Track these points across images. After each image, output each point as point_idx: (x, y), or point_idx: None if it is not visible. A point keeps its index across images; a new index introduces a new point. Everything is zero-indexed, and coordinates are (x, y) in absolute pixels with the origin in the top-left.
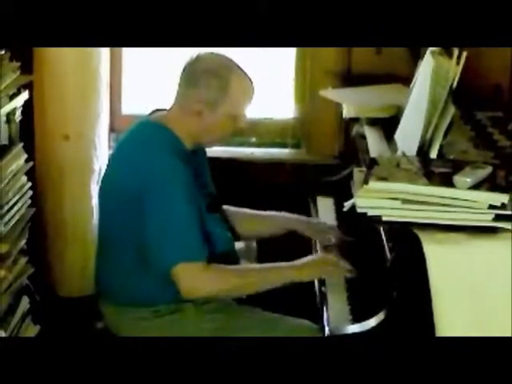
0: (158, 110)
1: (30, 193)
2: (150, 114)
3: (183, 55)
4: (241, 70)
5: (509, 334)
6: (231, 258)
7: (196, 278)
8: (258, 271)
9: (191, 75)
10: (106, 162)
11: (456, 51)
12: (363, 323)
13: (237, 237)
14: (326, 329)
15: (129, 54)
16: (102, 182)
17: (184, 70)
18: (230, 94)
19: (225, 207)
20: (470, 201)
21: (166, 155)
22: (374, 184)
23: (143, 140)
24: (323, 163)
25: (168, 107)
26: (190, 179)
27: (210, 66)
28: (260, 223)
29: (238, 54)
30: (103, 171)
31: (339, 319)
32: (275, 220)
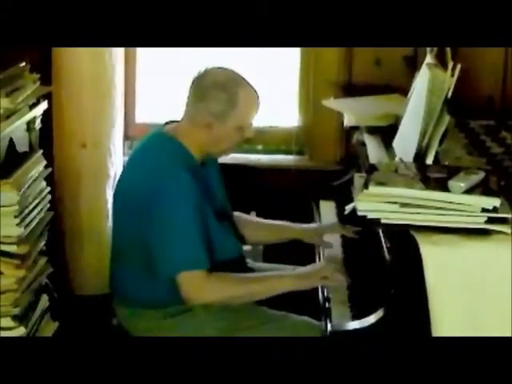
0: (170, 121)
1: (49, 197)
2: (164, 125)
3: (195, 65)
4: (247, 82)
5: (501, 333)
6: (238, 262)
7: (197, 286)
8: (259, 281)
9: (200, 89)
10: (121, 168)
11: (451, 64)
12: (363, 320)
13: (244, 242)
14: (328, 325)
15: (142, 65)
16: (115, 188)
17: (192, 84)
18: (238, 106)
19: (235, 214)
20: (463, 204)
21: (174, 167)
22: (373, 189)
23: (154, 152)
24: (325, 169)
25: (180, 119)
26: (196, 191)
27: (217, 79)
28: (267, 232)
29: (245, 65)
30: (118, 177)
31: (340, 316)
32: (281, 229)
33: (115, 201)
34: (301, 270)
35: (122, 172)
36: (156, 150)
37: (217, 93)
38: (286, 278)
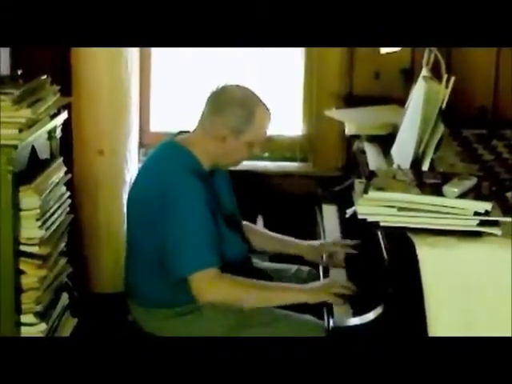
0: (182, 132)
1: (69, 201)
2: (175, 135)
3: (208, 78)
4: (263, 102)
5: (494, 332)
6: (245, 263)
7: (209, 285)
8: (269, 289)
9: (218, 103)
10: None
11: (445, 76)
12: (363, 316)
13: (250, 248)
14: (331, 321)
15: (156, 76)
16: (129, 193)
17: (210, 98)
18: (254, 123)
19: (244, 223)
20: (457, 208)
21: (185, 174)
22: (372, 193)
23: (165, 159)
24: (328, 175)
25: (191, 130)
26: (205, 195)
27: (237, 96)
28: (272, 244)
29: (252, 78)
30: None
31: (342, 313)
32: (286, 244)
33: (129, 205)
34: (312, 284)
35: (135, 178)
36: (167, 157)
37: (235, 108)
38: (293, 290)
